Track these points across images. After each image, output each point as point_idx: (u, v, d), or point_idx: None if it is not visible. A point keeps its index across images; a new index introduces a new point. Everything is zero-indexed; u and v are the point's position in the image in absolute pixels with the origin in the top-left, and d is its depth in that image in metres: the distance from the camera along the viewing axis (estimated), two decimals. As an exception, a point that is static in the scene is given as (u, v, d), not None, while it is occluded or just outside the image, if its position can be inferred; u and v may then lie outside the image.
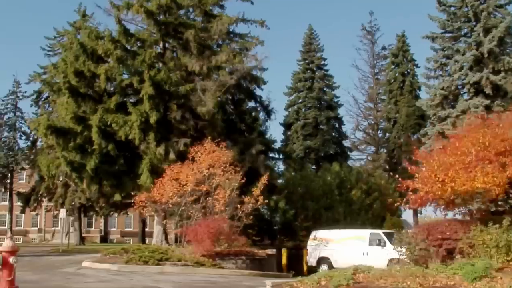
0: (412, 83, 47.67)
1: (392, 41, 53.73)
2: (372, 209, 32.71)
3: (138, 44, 24.28)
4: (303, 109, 43.50)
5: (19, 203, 56.51)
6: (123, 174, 23.61)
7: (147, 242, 50.79)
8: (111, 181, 23.22)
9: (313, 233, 25.53)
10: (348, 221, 30.69)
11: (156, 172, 22.94)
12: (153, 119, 22.63)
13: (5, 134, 56.84)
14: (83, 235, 69.78)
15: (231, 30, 28.03)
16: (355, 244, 23.32)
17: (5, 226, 69.67)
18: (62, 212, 29.44)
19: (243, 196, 22.22)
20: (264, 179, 22.69)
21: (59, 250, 29.45)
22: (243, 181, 22.41)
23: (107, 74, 22.77)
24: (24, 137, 56.83)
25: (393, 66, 49.24)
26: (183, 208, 21.40)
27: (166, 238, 25.03)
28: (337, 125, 44.91)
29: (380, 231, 23.86)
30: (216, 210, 21.33)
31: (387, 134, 56.27)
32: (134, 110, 22.73)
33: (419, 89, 49.18)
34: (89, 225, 70.08)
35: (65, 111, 23.20)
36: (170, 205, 21.27)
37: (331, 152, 41.49)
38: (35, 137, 41.03)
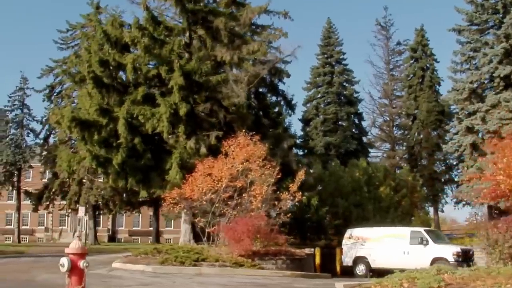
0: (432, 78, 46.51)
1: (407, 36, 53.11)
2: (400, 207, 31.49)
3: (165, 33, 22.96)
4: (322, 105, 42.24)
5: (27, 202, 55.65)
6: (150, 170, 22.33)
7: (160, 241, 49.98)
8: (138, 177, 21.92)
9: (349, 231, 24.31)
10: (377, 219, 29.53)
11: (185, 167, 21.69)
12: (182, 111, 21.36)
13: (12, 131, 55.69)
14: (76, 235, 68.97)
15: (253, 21, 26.86)
16: (395, 242, 22.09)
17: (11, 225, 68.34)
18: (81, 210, 28.16)
19: (277, 192, 21.03)
20: (301, 175, 21.49)
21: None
22: (278, 176, 21.18)
23: (134, 63, 21.45)
24: (31, 134, 55.91)
25: (411, 61, 48.05)
26: (216, 205, 20.14)
27: (194, 237, 23.74)
28: (357, 121, 43.65)
29: (421, 229, 22.71)
30: (252, 207, 20.10)
31: (405, 131, 55.53)
32: (162, 101, 21.45)
33: (439, 84, 48.13)
34: (96, 224, 68.35)
35: (89, 103, 21.89)
36: (204, 202, 19.98)
37: (352, 148, 40.24)
38: (48, 133, 39.72)
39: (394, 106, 55.48)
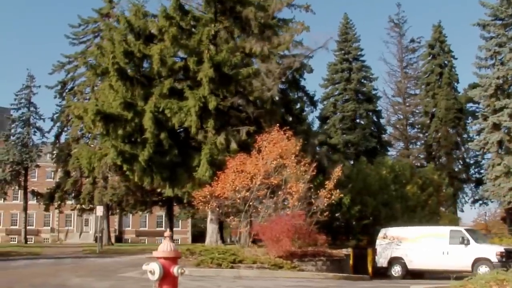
0: (450, 75, 45.44)
1: (421, 34, 51.96)
2: (427, 206, 30.42)
3: (192, 23, 21.85)
4: (340, 102, 41.15)
5: (33, 202, 54.49)
6: (177, 167, 21.21)
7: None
8: (165, 174, 20.79)
9: (383, 231, 23.24)
10: (405, 219, 28.50)
11: (214, 164, 20.59)
12: (212, 104, 20.24)
13: (19, 130, 54.54)
14: (97, 234, 67.70)
15: (274, 15, 25.78)
16: (434, 242, 21.06)
17: (16, 225, 67.13)
18: (99, 210, 26.99)
19: (312, 190, 19.93)
20: (337, 171, 20.37)
21: (96, 252, 27.01)
22: (313, 173, 20.11)
23: (161, 54, 20.32)
24: (38, 133, 54.74)
25: (429, 58, 46.98)
26: (250, 203, 19.05)
27: (222, 238, 22.64)
28: (375, 119, 42.56)
29: (461, 228, 21.74)
30: (288, 206, 19.03)
31: (421, 130, 54.49)
32: (191, 94, 20.34)
33: (457, 81, 47.10)
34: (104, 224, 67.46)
35: (113, 96, 20.77)
36: (238, 200, 18.87)
37: (371, 146, 39.16)
38: (59, 130, 38.50)
39: (407, 104, 54.55)
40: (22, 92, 54.02)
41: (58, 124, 38.28)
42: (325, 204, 19.54)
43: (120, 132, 20.36)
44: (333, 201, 20.02)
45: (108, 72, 21.96)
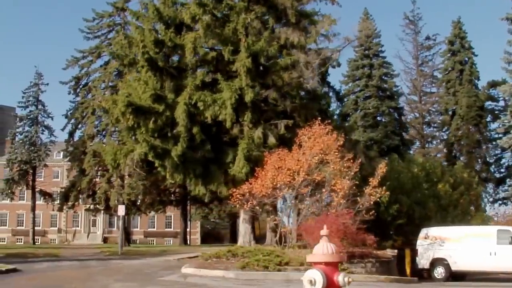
0: (471, 72, 44.29)
1: (436, 31, 50.73)
2: (459, 205, 29.26)
3: (225, 12, 20.67)
4: (361, 98, 39.96)
5: (39, 202, 53.17)
6: (210, 163, 20.02)
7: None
8: (198, 170, 19.59)
9: (424, 231, 22.11)
10: (438, 218, 27.37)
11: (249, 160, 19.42)
12: (249, 96, 19.08)
13: (26, 128, 53.27)
14: (105, 235, 66.45)
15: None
16: (480, 243, 19.92)
17: (23, 226, 65.79)
18: (121, 209, 25.69)
19: (354, 187, 18.76)
20: (382, 168, 19.25)
21: (118, 253, 25.73)
22: (356, 170, 18.94)
23: (195, 44, 19.15)
24: (46, 131, 53.48)
25: (449, 55, 45.82)
26: (293, 201, 17.89)
27: (255, 238, 21.46)
28: (396, 116, 41.38)
29: (510, 228, 20.51)
30: (333, 204, 17.85)
31: (437, 128, 53.41)
32: (227, 86, 19.17)
33: (478, 78, 45.91)
34: (111, 224, 66.18)
35: (143, 88, 19.57)
36: (280, 198, 17.71)
37: (393, 144, 37.97)
38: (73, 128, 37.19)
39: (423, 102, 53.44)
40: (30, 90, 52.68)
41: (72, 120, 36.96)
42: (371, 202, 18.44)
43: (151, 125, 19.16)
44: (378, 199, 18.91)
45: (136, 63, 20.84)
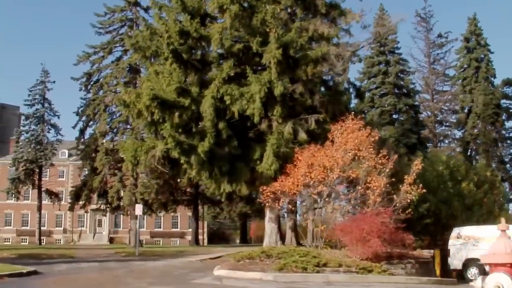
0: (488, 70, 43.51)
1: (449, 28, 49.89)
2: (484, 204, 28.45)
3: (251, 2, 19.80)
4: (377, 96, 39.14)
5: (44, 201, 52.21)
6: (236, 159, 19.17)
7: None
8: (225, 167, 18.73)
9: (456, 231, 21.31)
10: (464, 218, 26.56)
11: (278, 156, 18.58)
12: (278, 90, 18.24)
13: (33, 127, 52.36)
14: (111, 235, 65.50)
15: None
16: (516, 243, 19.06)
17: (27, 226, 64.87)
18: (138, 208, 24.80)
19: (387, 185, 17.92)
20: (417, 164, 18.43)
21: (135, 254, 24.84)
22: (391, 167, 18.10)
23: (222, 35, 18.31)
24: (53, 130, 52.58)
25: (464, 52, 45.01)
26: (327, 199, 17.05)
27: (282, 238, 20.61)
28: (413, 114, 40.53)
29: (547, 227, 19.67)
30: (369, 202, 17.02)
31: (447, 126, 52.65)
32: (255, 79, 18.33)
33: (494, 76, 45.14)
34: (117, 225, 65.36)
35: (167, 81, 18.74)
36: (314, 195, 16.86)
37: (411, 142, 37.13)
38: (84, 125, 36.29)
39: (435, 101, 52.65)
40: (37, 88, 51.78)
41: (84, 118, 36.05)
42: (408, 200, 17.64)
43: (176, 120, 18.31)
44: (414, 197, 18.09)
45: (158, 55, 19.99)
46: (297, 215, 24.89)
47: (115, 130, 34.30)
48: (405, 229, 17.82)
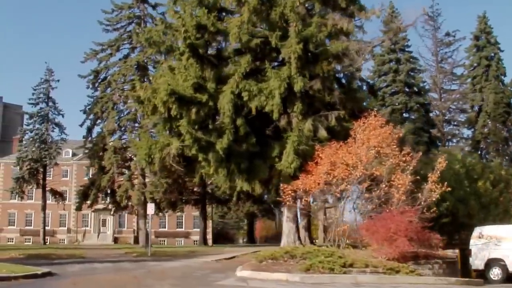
0: (498, 68, 43.02)
1: (456, 27, 49.33)
2: (500, 203, 27.99)
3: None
4: (388, 94, 38.64)
5: (48, 201, 51.69)
6: (254, 157, 18.69)
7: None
8: (244, 165, 18.25)
9: (477, 230, 20.79)
10: (481, 217, 26.09)
11: (298, 154, 18.10)
12: (298, 85, 17.77)
13: (37, 126, 51.85)
14: (115, 235, 64.96)
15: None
16: (540, 242, 18.66)
17: (31, 226, 64.33)
18: (150, 208, 24.28)
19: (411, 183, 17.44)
20: (441, 162, 17.95)
21: (147, 254, 24.33)
22: (414, 164, 17.63)
23: (241, 28, 17.82)
24: (57, 129, 52.09)
25: (474, 50, 44.52)
26: (349, 198, 16.60)
27: (299, 238, 20.13)
28: (424, 112, 40.02)
29: None
30: (393, 201, 16.54)
31: (455, 126, 52.21)
32: (275, 74, 17.87)
33: (505, 74, 44.63)
34: (121, 224, 64.80)
35: (184, 76, 18.26)
36: (337, 193, 16.38)
37: (423, 141, 36.62)
38: (93, 123, 35.75)
39: (443, 100, 52.17)
40: (41, 86, 51.36)
41: (91, 116, 35.51)
42: (433, 199, 17.17)
43: (193, 116, 17.83)
44: (437, 196, 17.62)
45: (173, 50, 19.52)
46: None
47: (123, 128, 33.78)
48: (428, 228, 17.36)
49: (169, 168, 23.60)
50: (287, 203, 17.50)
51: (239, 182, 19.08)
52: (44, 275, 14.18)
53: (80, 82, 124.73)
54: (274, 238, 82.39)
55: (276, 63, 19.34)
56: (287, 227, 20.10)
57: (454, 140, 53.58)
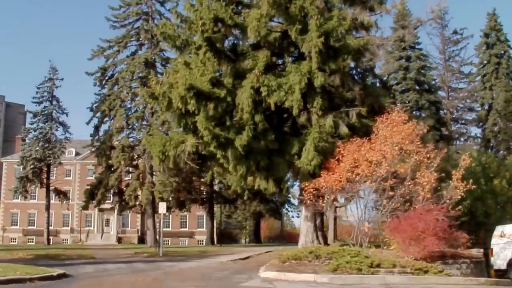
0: (508, 66, 42.53)
1: (464, 25, 48.66)
2: (516, 202, 27.54)
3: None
4: (398, 92, 38.13)
5: (52, 200, 51.15)
6: (273, 154, 18.18)
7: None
8: (263, 162, 17.73)
9: (499, 229, 20.26)
10: (498, 216, 25.63)
11: (317, 151, 17.58)
12: (319, 81, 17.25)
13: (41, 125, 51.26)
14: (119, 235, 64.35)
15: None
16: None
17: (34, 226, 63.77)
18: (162, 207, 23.77)
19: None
20: (466, 160, 17.46)
21: (159, 255, 23.80)
22: (438, 162, 17.14)
23: (260, 21, 17.29)
24: (61, 128, 51.54)
25: (484, 48, 44.04)
26: (373, 196, 16.10)
27: (318, 237, 19.62)
28: (435, 110, 39.51)
29: None
30: (419, 198, 16.05)
31: (463, 124, 51.74)
32: (295, 69, 17.36)
33: (515, 72, 44.11)
34: (125, 224, 64.22)
35: (201, 71, 17.75)
36: (361, 191, 15.90)
37: (435, 139, 36.09)
38: (100, 120, 35.20)
39: (450, 98, 51.70)
40: (45, 85, 50.83)
41: (98, 114, 34.95)
42: (459, 197, 16.68)
43: (211, 112, 17.31)
44: (462, 194, 17.13)
45: (189, 44, 19.01)
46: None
47: (131, 126, 33.25)
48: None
49: (179, 166, 23.03)
50: (308, 201, 16.96)
51: (257, 180, 18.56)
52: (59, 276, 13.65)
53: (82, 81, 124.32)
54: (278, 238, 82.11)
55: (293, 58, 18.81)
56: (305, 226, 19.58)
57: (462, 139, 53.18)
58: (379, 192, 16.31)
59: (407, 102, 37.16)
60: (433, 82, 41.18)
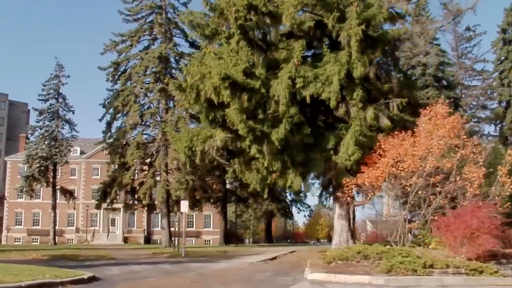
0: (526, 62, 41.71)
1: (477, 21, 47.88)
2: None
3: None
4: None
5: (60, 200, 50.18)
6: (309, 149, 17.29)
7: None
8: (300, 157, 16.84)
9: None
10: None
11: (357, 145, 16.72)
12: (358, 71, 16.38)
13: (47, 123, 50.29)
14: (125, 235, 63.33)
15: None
16: None
17: (38, 225, 62.76)
18: (184, 205, 22.83)
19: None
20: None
21: (181, 255, 22.86)
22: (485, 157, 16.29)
23: (296, 8, 16.42)
24: (67, 126, 50.59)
25: (501, 44, 43.24)
26: (419, 192, 15.20)
27: (353, 237, 18.75)
28: (454, 107, 38.66)
29: None
30: (467, 195, 15.21)
31: (476, 122, 50.97)
32: (333, 58, 16.48)
33: (532, 69, 43.25)
34: (131, 224, 63.23)
35: (233, 61, 16.86)
36: (407, 187, 15.02)
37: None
38: (112, 117, 34.22)
39: (463, 96, 50.90)
40: (51, 82, 49.96)
41: (111, 110, 33.96)
42: (507, 193, 15.83)
43: (245, 104, 16.42)
44: (510, 189, 16.30)
45: (219, 33, 18.12)
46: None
47: (144, 123, 32.31)
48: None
49: (204, 162, 22.06)
50: (347, 198, 16.09)
51: (291, 176, 17.64)
52: (90, 279, 12.60)
53: (84, 79, 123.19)
54: (282, 237, 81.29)
55: (331, 48, 17.93)
56: (339, 225, 18.68)
57: (475, 137, 52.39)
58: (423, 188, 15.43)
59: (426, 98, 36.32)
60: (451, 79, 40.33)
